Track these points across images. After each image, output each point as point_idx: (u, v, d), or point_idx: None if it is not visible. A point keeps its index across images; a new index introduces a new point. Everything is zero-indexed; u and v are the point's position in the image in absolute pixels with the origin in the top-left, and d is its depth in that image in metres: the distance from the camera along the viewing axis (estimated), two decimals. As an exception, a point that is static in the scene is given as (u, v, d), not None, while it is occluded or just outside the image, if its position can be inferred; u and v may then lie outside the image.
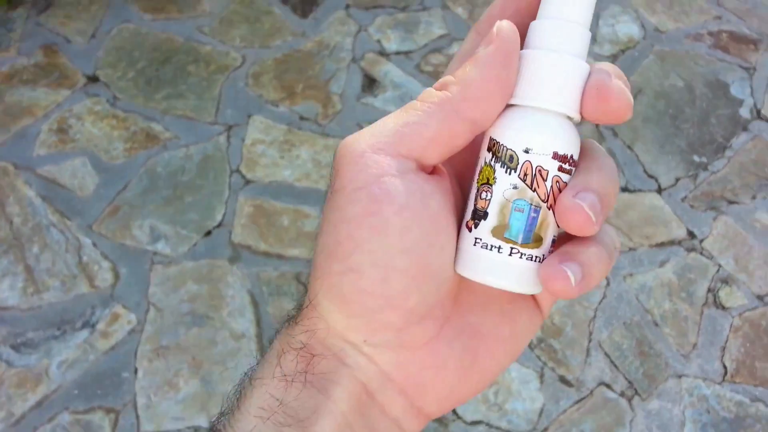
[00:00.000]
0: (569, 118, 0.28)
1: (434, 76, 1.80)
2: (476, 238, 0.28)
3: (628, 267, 1.49)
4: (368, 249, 0.27)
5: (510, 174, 0.27)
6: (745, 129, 1.79)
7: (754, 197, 1.65)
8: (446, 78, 0.29)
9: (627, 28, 2.00)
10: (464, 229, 0.29)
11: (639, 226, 1.56)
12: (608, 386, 1.32)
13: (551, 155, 0.27)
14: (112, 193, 1.48)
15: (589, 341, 1.38)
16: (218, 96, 1.69)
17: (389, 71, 1.79)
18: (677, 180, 1.67)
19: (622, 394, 1.32)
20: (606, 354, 1.36)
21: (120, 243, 1.41)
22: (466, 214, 0.29)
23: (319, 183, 1.55)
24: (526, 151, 0.27)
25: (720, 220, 1.60)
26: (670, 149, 1.72)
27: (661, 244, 1.54)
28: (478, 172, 0.29)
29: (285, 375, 0.29)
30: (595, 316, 1.41)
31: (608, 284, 1.46)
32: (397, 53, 1.84)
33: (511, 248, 0.28)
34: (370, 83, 1.77)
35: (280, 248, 1.43)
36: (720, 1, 2.12)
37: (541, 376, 1.32)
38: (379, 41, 1.87)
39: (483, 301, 0.31)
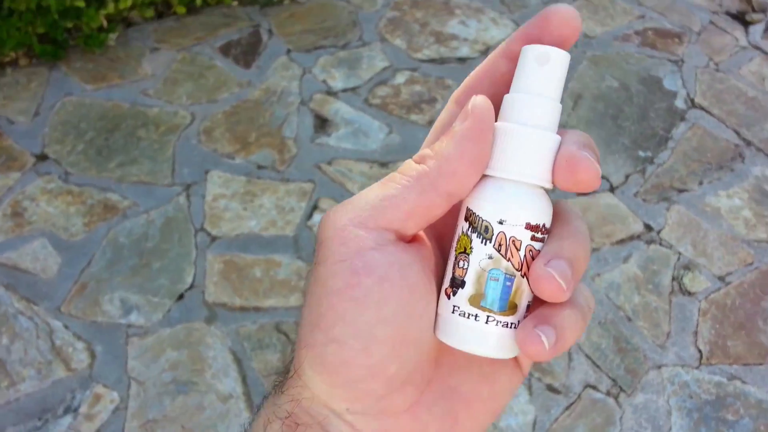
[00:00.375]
0: (542, 186, 0.29)
1: (383, 108, 1.83)
2: (455, 306, 0.29)
3: (594, 267, 1.53)
4: (350, 321, 0.28)
5: (485, 244, 0.29)
6: (682, 119, 1.87)
7: (701, 183, 1.72)
8: (424, 151, 0.30)
9: (558, 37, 2.07)
10: (443, 296, 0.30)
11: (598, 226, 1.61)
12: (594, 387, 1.35)
13: (524, 226, 0.28)
14: (76, 271, 1.46)
15: (569, 346, 1.41)
16: (172, 156, 1.69)
17: (339, 109, 1.82)
18: (627, 176, 1.73)
19: (608, 393, 1.35)
20: (587, 356, 1.40)
21: (92, 321, 1.39)
22: (445, 280, 0.30)
23: (285, 229, 1.56)
24: (501, 223, 0.28)
25: (673, 210, 1.66)
26: (615, 148, 1.79)
27: (622, 241, 1.59)
28: (456, 239, 0.30)
29: None
30: (570, 321, 1.44)
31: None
32: (344, 90, 1.87)
33: (488, 316, 0.29)
34: (322, 123, 1.79)
35: (256, 301, 1.43)
36: (640, 0, 2.22)
37: (530, 388, 1.34)
38: (324, 81, 1.90)
39: (463, 364, 0.32)
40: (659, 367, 1.39)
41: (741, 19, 2.13)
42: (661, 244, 1.59)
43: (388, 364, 0.29)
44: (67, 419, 1.26)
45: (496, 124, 0.29)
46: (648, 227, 1.62)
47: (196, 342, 1.36)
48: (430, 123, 1.80)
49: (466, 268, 0.29)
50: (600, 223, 1.62)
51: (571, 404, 1.33)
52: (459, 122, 0.29)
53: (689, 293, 1.51)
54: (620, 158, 1.76)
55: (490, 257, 0.29)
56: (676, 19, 2.15)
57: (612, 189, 1.69)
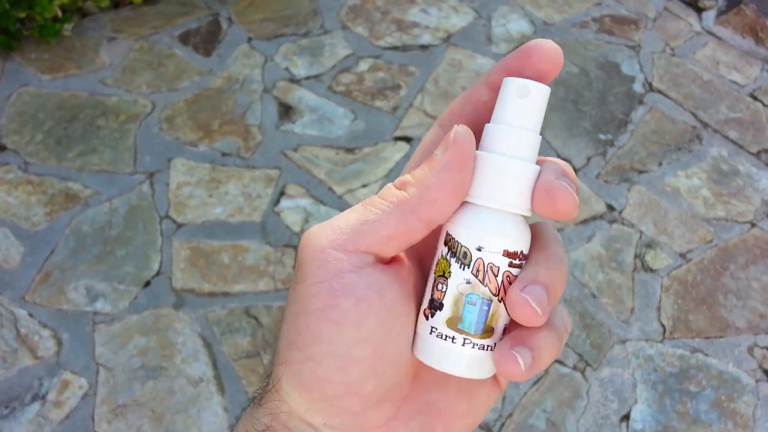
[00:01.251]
0: (521, 214, 0.30)
1: (348, 95, 1.83)
2: (432, 327, 0.30)
3: (559, 247, 1.56)
4: (327, 340, 0.28)
5: (464, 269, 0.29)
6: (641, 102, 1.92)
7: (660, 164, 1.77)
8: (405, 177, 0.30)
9: (518, 26, 2.10)
10: (422, 316, 0.31)
11: (563, 208, 1.64)
12: (561, 362, 1.38)
13: (502, 253, 0.29)
14: (40, 260, 1.43)
15: (537, 323, 1.43)
16: (134, 145, 1.66)
17: (303, 96, 1.81)
18: (589, 159, 1.76)
19: (574, 368, 1.38)
20: (554, 333, 1.42)
21: (57, 309, 1.36)
22: (424, 301, 0.31)
23: (252, 215, 1.54)
24: (479, 249, 0.29)
25: (634, 190, 1.70)
26: (577, 132, 1.82)
27: (585, 221, 1.62)
28: (435, 263, 0.31)
29: None
30: (538, 299, 1.47)
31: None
32: (308, 78, 1.86)
33: (465, 339, 0.29)
34: (287, 110, 1.78)
35: (224, 286, 1.42)
36: (597, -12, 2.26)
37: (499, 365, 1.36)
38: (287, 69, 1.89)
39: (441, 380, 0.32)
40: (624, 341, 1.42)
41: (694, 5, 2.19)
42: (623, 224, 1.62)
43: (365, 382, 0.29)
44: (35, 406, 1.23)
45: (477, 152, 0.30)
46: (610, 207, 1.66)
47: (164, 328, 1.34)
48: (395, 109, 1.81)
49: (445, 292, 0.30)
50: (564, 203, 1.65)
51: (539, 379, 1.36)
52: (440, 151, 0.29)
53: (651, 270, 1.55)
54: (582, 141, 1.80)
55: (468, 282, 0.29)
56: (632, 6, 2.21)
57: (575, 171, 1.72)
